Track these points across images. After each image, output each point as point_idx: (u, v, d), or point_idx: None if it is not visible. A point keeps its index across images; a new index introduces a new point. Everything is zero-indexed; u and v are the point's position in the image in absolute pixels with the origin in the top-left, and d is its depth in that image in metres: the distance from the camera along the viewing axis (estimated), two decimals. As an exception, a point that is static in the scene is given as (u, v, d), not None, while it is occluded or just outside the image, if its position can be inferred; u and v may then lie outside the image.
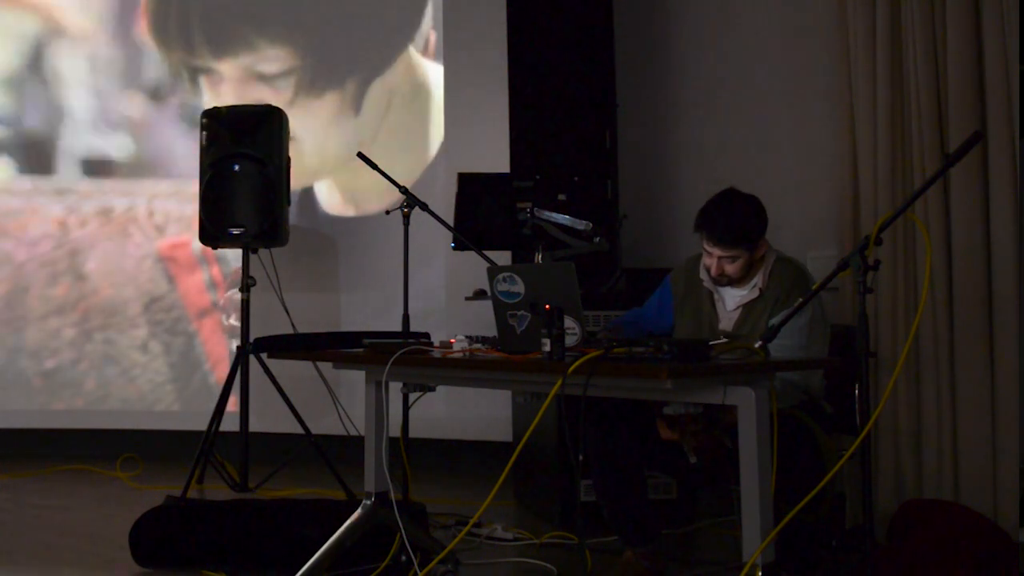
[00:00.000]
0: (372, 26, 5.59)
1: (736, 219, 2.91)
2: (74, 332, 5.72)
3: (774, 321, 2.63)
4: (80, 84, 5.83)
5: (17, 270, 5.77)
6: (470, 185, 4.16)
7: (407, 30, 5.55)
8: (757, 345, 2.49)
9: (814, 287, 2.53)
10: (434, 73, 5.54)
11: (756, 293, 2.96)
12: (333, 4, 5.63)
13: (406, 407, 3.73)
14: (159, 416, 5.61)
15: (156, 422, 5.59)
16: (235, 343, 4.89)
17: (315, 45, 5.62)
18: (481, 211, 4.10)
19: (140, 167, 5.77)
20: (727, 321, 3.01)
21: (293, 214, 4.90)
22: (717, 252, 2.93)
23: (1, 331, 5.74)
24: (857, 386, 2.37)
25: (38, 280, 5.75)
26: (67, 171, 5.80)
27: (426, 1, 5.53)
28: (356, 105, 5.54)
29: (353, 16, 5.58)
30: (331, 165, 5.60)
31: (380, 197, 5.29)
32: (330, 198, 5.62)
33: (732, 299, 3.01)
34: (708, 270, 2.99)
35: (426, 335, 3.15)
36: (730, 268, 2.94)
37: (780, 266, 2.97)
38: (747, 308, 2.98)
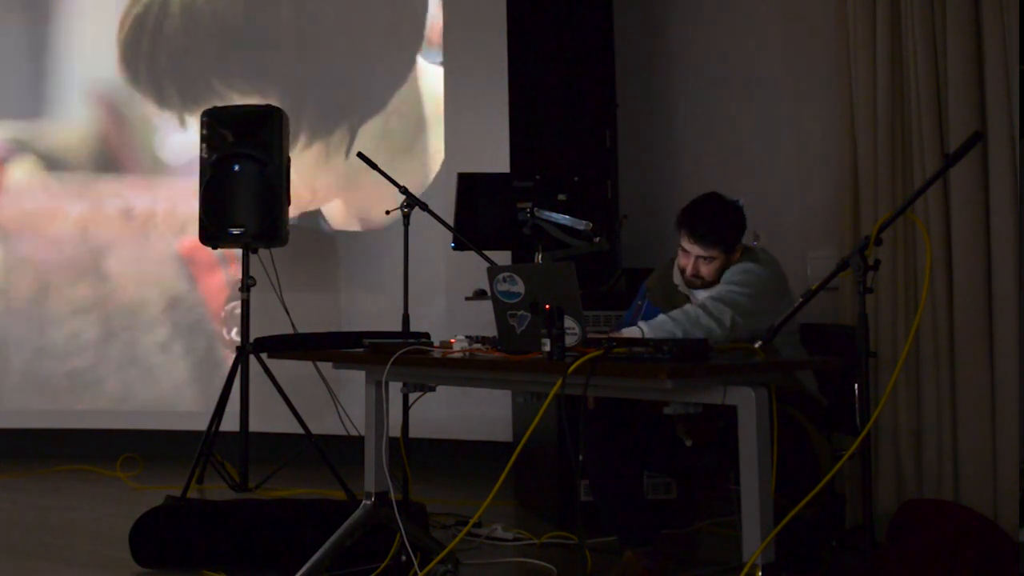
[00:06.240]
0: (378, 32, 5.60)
1: (718, 219, 2.95)
2: (96, 332, 5.72)
3: (726, 281, 2.65)
4: (100, 83, 5.84)
5: (40, 269, 5.77)
6: (470, 185, 4.16)
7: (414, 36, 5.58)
8: (757, 345, 2.49)
9: (813, 287, 2.53)
10: (434, 74, 5.54)
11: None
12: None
13: (406, 407, 3.73)
14: (180, 416, 5.59)
15: (176, 422, 5.56)
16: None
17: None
18: (481, 211, 4.10)
19: (160, 167, 5.79)
20: None
21: (294, 214, 4.90)
22: (696, 251, 2.95)
23: (24, 331, 5.75)
24: (857, 386, 2.37)
25: (61, 280, 5.76)
26: (88, 171, 5.81)
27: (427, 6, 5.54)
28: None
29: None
30: (322, 196, 5.62)
31: (381, 200, 5.30)
32: (333, 215, 5.64)
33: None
34: (683, 271, 3.01)
35: (426, 335, 3.15)
36: (705, 269, 2.96)
37: (745, 255, 3.02)
38: None
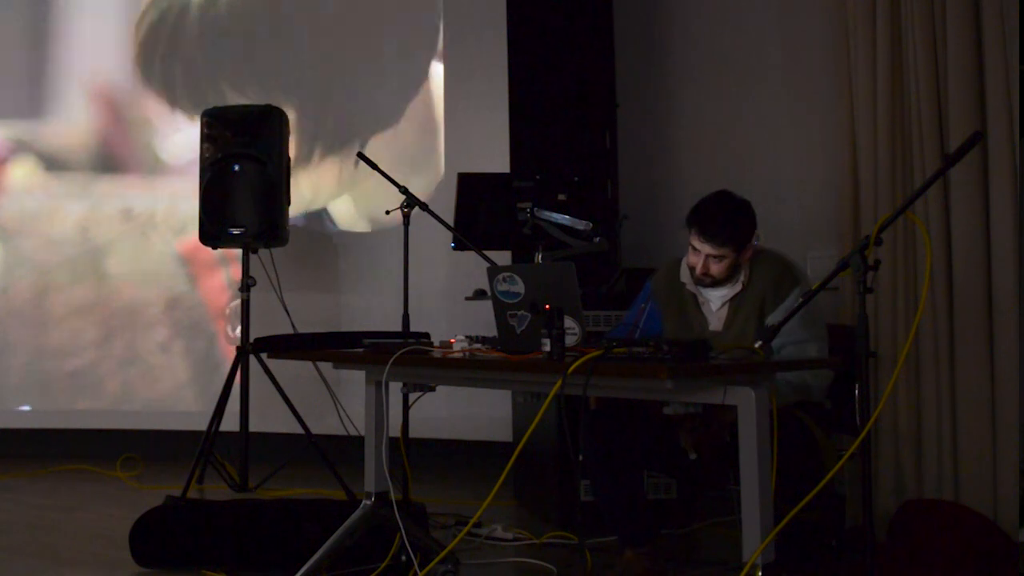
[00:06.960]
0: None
1: (729, 218, 2.93)
2: (96, 332, 5.71)
3: (772, 320, 2.63)
4: (101, 83, 5.83)
5: (40, 270, 5.77)
6: (470, 185, 4.16)
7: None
8: (757, 345, 2.49)
9: (814, 287, 2.53)
10: (434, 73, 5.54)
11: (739, 287, 2.98)
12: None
13: (406, 407, 3.73)
14: (180, 416, 5.58)
15: (176, 422, 5.55)
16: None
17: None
18: (481, 211, 4.11)
19: (160, 166, 5.78)
20: (716, 321, 3.02)
21: (294, 215, 4.90)
22: (707, 249, 2.93)
23: (24, 331, 5.75)
24: (857, 386, 2.37)
25: (61, 280, 5.75)
26: (88, 171, 5.80)
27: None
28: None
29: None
30: (326, 196, 5.63)
31: (382, 200, 5.30)
32: (338, 215, 5.65)
33: (717, 299, 3.02)
34: (692, 269, 3.00)
35: (426, 335, 3.14)
36: (715, 268, 2.95)
37: (761, 257, 3.00)
38: (733, 304, 2.99)
